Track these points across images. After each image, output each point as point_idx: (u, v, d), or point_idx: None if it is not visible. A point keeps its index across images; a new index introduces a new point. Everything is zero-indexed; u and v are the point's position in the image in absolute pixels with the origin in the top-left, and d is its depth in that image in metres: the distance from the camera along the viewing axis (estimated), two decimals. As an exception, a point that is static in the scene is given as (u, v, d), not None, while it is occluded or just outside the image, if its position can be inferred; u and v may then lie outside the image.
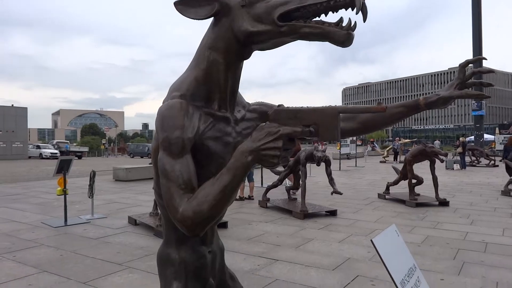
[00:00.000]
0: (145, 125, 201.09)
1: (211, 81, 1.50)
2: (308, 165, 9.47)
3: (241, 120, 1.64)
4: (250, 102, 1.79)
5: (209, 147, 1.49)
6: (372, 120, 1.67)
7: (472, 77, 1.58)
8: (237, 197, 9.78)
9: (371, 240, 1.24)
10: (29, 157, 35.61)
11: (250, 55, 1.56)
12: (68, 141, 49.06)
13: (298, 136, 1.26)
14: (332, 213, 7.82)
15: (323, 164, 7.99)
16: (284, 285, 4.04)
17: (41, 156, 35.82)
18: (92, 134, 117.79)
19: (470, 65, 1.56)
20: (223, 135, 1.53)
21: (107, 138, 58.01)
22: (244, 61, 1.57)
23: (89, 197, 7.45)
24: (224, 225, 6.70)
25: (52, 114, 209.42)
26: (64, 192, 6.99)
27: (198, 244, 1.62)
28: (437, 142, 39.17)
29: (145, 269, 4.53)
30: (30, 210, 8.35)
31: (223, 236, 6.04)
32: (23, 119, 35.73)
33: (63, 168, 7.03)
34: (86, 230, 6.51)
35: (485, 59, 1.52)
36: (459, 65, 1.58)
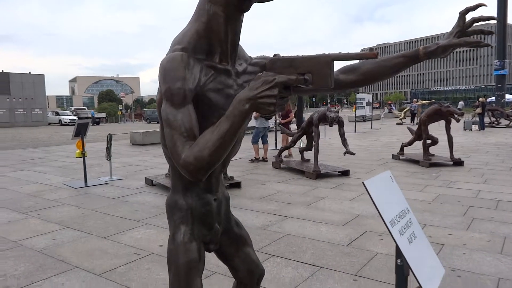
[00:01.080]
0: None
1: (212, 34, 1.54)
2: (322, 127, 9.47)
3: (242, 73, 1.68)
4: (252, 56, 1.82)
5: (211, 99, 1.54)
6: (372, 71, 1.69)
7: (472, 25, 1.57)
8: (253, 158, 9.90)
9: (363, 182, 1.31)
10: (49, 124, 36.45)
11: (250, 7, 1.57)
12: (85, 107, 49.83)
13: (293, 83, 1.30)
14: (345, 173, 7.90)
15: (336, 126, 7.99)
16: (294, 240, 4.19)
17: (60, 123, 36.59)
18: (109, 100, 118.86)
19: (470, 12, 1.55)
20: (224, 87, 1.58)
21: (123, 104, 58.58)
22: (245, 14, 1.59)
23: (107, 160, 7.68)
24: (237, 185, 6.86)
25: (69, 81, 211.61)
26: (83, 155, 7.23)
27: (203, 192, 1.71)
28: (461, 103, 38.24)
29: (161, 225, 4.74)
30: (52, 173, 8.68)
31: (237, 195, 6.23)
32: (41, 86, 36.26)
33: (80, 131, 7.22)
34: (105, 190, 6.77)
35: (485, 5, 1.50)
36: (459, 12, 1.57)
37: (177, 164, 1.42)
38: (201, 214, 1.70)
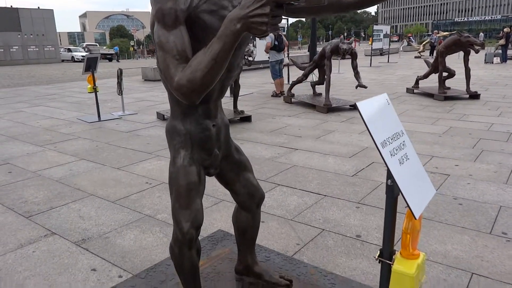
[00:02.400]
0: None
1: None
2: (336, 61, 9.19)
3: None
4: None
5: (205, 21, 1.50)
6: None
7: None
8: (273, 94, 9.74)
9: (355, 104, 1.30)
10: (62, 61, 36.34)
11: None
12: (97, 44, 49.21)
13: (285, 1, 1.25)
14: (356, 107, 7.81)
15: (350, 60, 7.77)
16: (301, 170, 4.28)
17: (73, 59, 36.42)
18: (120, 36, 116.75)
19: None
20: (219, 9, 1.53)
21: (135, 40, 57.58)
22: None
23: (119, 94, 7.73)
24: (248, 119, 6.90)
25: (79, 17, 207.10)
26: (95, 90, 7.28)
27: (202, 117, 1.73)
28: (481, 34, 36.44)
29: (173, 157, 4.87)
30: (66, 108, 8.83)
31: (247, 129, 6.29)
32: (51, 22, 35.64)
33: (90, 66, 7.21)
34: (118, 125, 6.90)
35: None
36: None
37: (170, 87, 1.43)
38: (200, 139, 1.74)
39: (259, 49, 10.98)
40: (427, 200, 1.42)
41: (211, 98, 1.72)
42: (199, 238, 2.71)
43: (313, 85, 8.87)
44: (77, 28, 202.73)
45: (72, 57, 36.69)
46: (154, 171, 4.37)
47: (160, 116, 7.29)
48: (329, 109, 7.50)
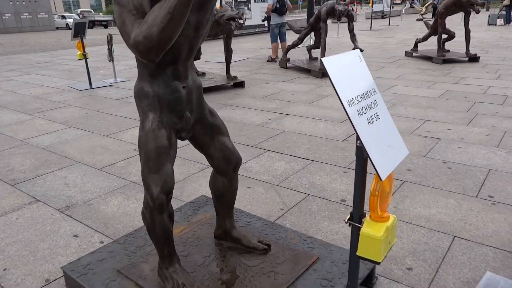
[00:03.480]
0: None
1: None
2: (335, 25, 8.91)
3: None
4: None
5: None
6: None
7: None
8: (269, 59, 9.50)
9: (321, 59, 1.22)
10: (57, 28, 35.57)
11: None
12: (91, 10, 48.00)
13: None
14: (352, 72, 7.67)
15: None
16: (291, 136, 4.22)
17: (68, 27, 35.61)
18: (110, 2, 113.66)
19: None
20: None
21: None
22: None
23: (109, 61, 7.57)
24: (241, 85, 6.78)
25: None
26: (84, 56, 7.12)
27: (170, 79, 1.66)
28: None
29: (162, 124, 4.80)
30: (58, 76, 8.69)
31: (239, 94, 6.19)
32: (43, -12, 34.59)
33: (79, 32, 7.01)
34: (110, 92, 6.80)
35: None
36: None
37: (128, 45, 1.35)
38: (169, 101, 1.67)
39: (255, 12, 10.64)
40: (397, 161, 1.37)
41: (179, 59, 1.64)
42: (183, 203, 2.70)
43: (309, 49, 8.67)
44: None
45: (67, 24, 35.84)
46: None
47: (152, 83, 7.17)
48: (324, 73, 7.36)
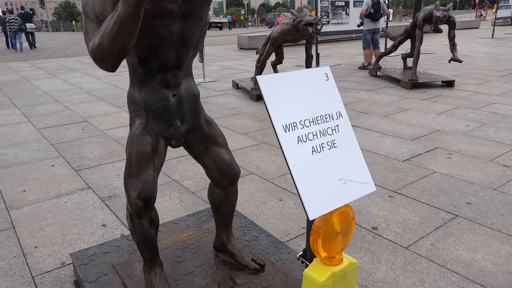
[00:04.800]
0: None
1: None
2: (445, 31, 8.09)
3: None
4: None
5: None
6: None
7: None
8: (361, 66, 9.10)
9: (255, 77, 1.11)
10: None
11: None
12: (209, 12, 51.08)
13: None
14: (449, 84, 6.92)
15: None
16: (349, 150, 3.96)
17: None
18: (236, 5, 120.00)
19: None
20: None
21: (246, 8, 58.64)
22: None
23: (200, 62, 7.99)
24: (319, 92, 6.59)
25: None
26: (177, 57, 7.60)
27: (159, 86, 1.67)
28: None
29: (228, 126, 4.91)
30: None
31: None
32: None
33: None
34: (194, 91, 7.16)
35: None
36: None
37: (89, 54, 1.39)
38: (157, 109, 1.68)
39: (352, 17, 10.26)
40: (350, 198, 1.18)
41: (167, 67, 1.63)
42: (202, 209, 2.71)
43: (404, 57, 8.05)
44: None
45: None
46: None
47: (235, 85, 7.37)
48: (414, 84, 6.76)
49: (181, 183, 3.31)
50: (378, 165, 3.56)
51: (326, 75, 1.25)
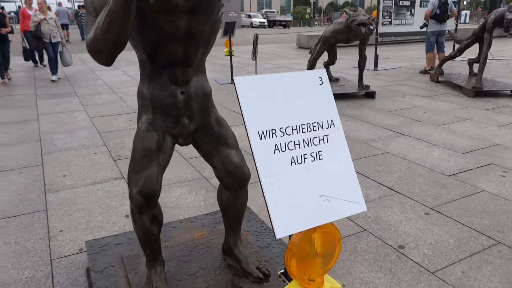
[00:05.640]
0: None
1: None
2: None
3: None
4: None
5: None
6: None
7: None
8: (422, 70, 8.58)
9: (233, 79, 1.03)
10: (242, 26, 39.30)
11: None
12: (274, 10, 51.25)
13: None
14: (519, 94, 6.29)
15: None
16: (390, 159, 3.72)
17: (251, 25, 39.00)
18: (304, 4, 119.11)
19: None
20: None
21: (312, 7, 57.96)
22: None
23: (252, 59, 7.98)
24: (371, 95, 6.30)
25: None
26: (230, 53, 7.67)
27: (167, 83, 1.64)
28: None
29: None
30: (211, 69, 9.61)
31: (363, 105, 5.76)
32: (237, -11, 38.62)
33: (228, 30, 7.59)
34: (244, 88, 7.17)
35: None
36: None
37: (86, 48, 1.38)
38: (164, 105, 1.65)
39: (417, 18, 9.69)
40: (332, 217, 1.06)
41: (175, 63, 1.60)
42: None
43: (470, 63, 7.45)
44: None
45: (251, 23, 39.25)
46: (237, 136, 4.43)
47: (285, 84, 7.27)
48: (478, 92, 6.22)
49: (210, 180, 3.29)
50: (420, 178, 3.30)
51: (320, 79, 1.14)
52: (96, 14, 1.35)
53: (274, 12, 46.89)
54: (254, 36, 7.93)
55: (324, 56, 6.92)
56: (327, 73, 6.25)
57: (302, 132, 1.06)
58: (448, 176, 3.34)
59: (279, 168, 1.01)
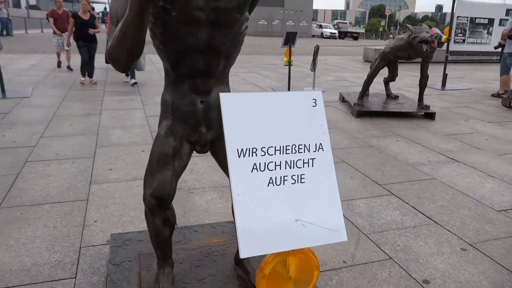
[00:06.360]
0: (439, 7, 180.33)
1: None
2: None
3: None
4: None
5: None
6: None
7: None
8: (495, 93, 7.98)
9: (220, 94, 1.04)
10: (312, 36, 39.23)
11: None
12: (347, 22, 50.48)
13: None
14: None
15: None
16: (437, 186, 3.50)
17: (322, 35, 38.78)
18: (379, 16, 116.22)
19: None
20: None
21: (387, 19, 56.28)
22: None
23: (311, 70, 7.94)
24: (431, 116, 5.97)
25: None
26: (289, 63, 7.69)
27: (188, 92, 1.70)
28: None
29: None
30: (272, 78, 9.68)
31: (421, 126, 5.49)
32: (310, -1, 38.72)
33: (289, 40, 7.62)
34: (298, 99, 7.14)
35: None
36: None
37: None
38: (184, 112, 1.71)
39: (495, 38, 9.03)
40: (305, 243, 1.03)
41: (196, 74, 1.65)
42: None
43: (551, 89, 6.79)
44: (342, 6, 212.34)
45: (322, 33, 39.06)
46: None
47: (341, 97, 7.13)
48: (555, 123, 5.64)
49: (243, 188, 3.32)
50: (464, 209, 3.07)
51: (314, 100, 1.12)
52: (117, 25, 1.44)
53: (346, 23, 46.17)
54: (314, 48, 7.89)
55: (385, 72, 6.70)
56: (386, 89, 6.01)
57: (286, 153, 1.04)
58: (498, 211, 3.07)
59: (255, 187, 1.00)
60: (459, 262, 2.39)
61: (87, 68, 8.01)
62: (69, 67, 9.72)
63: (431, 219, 2.91)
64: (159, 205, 1.70)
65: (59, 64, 10.12)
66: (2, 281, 2.07)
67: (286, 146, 1.05)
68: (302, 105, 1.10)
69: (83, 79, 8.03)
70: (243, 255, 0.95)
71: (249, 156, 1.01)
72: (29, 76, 8.64)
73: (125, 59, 1.38)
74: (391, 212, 2.99)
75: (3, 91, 6.58)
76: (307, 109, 1.10)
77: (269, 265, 1.02)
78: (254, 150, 1.02)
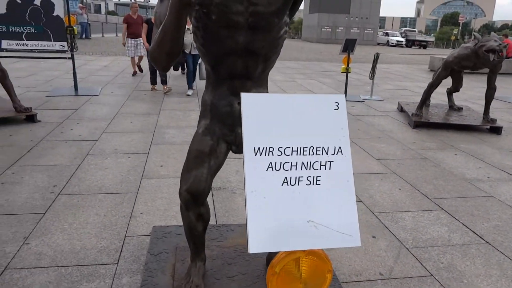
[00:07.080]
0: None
1: None
2: None
3: None
4: None
5: None
6: None
7: None
8: None
9: (241, 94, 1.09)
10: (378, 44, 38.13)
11: None
12: (415, 29, 48.43)
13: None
14: None
15: None
16: (493, 204, 3.26)
17: (387, 43, 37.56)
18: (453, 24, 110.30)
19: None
20: None
21: (460, 28, 53.21)
22: None
23: (370, 78, 7.74)
24: (497, 131, 5.57)
25: (417, 2, 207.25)
26: (347, 70, 7.57)
27: (226, 93, 1.77)
28: None
29: (365, 148, 4.66)
30: (330, 85, 9.57)
31: (484, 141, 5.20)
32: (376, 6, 37.75)
33: (348, 47, 7.50)
34: (354, 107, 7.01)
35: None
36: None
37: (149, 56, 1.57)
38: (221, 113, 1.78)
39: None
40: (315, 245, 1.03)
41: (234, 76, 1.71)
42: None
43: None
44: (412, 14, 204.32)
45: (388, 41, 37.84)
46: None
47: (399, 107, 6.88)
48: None
49: (286, 193, 3.33)
50: (523, 232, 2.84)
51: (337, 104, 1.12)
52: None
53: (414, 31, 44.30)
54: (374, 55, 7.70)
55: (448, 82, 6.37)
56: (449, 101, 5.71)
57: (303, 154, 1.06)
58: None
59: (269, 185, 1.02)
60: (508, 287, 2.22)
61: (155, 76, 7.71)
62: (139, 67, 9.64)
63: (483, 239, 2.72)
64: (193, 200, 1.77)
65: (134, 73, 9.61)
66: (53, 260, 2.26)
67: (303, 147, 1.06)
68: (324, 108, 1.11)
69: (153, 86, 7.78)
70: (251, 250, 0.98)
71: (265, 154, 1.04)
72: (100, 76, 9.30)
73: (164, 60, 1.46)
74: (439, 228, 2.84)
75: (76, 89, 7.16)
76: (329, 112, 1.10)
77: (280, 263, 1.04)
78: (271, 149, 1.04)
